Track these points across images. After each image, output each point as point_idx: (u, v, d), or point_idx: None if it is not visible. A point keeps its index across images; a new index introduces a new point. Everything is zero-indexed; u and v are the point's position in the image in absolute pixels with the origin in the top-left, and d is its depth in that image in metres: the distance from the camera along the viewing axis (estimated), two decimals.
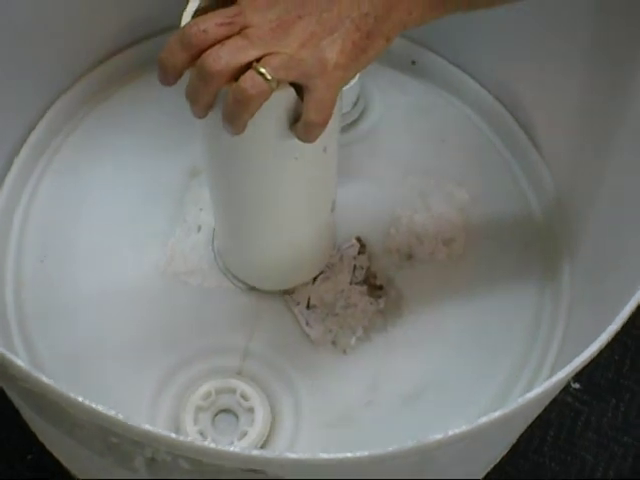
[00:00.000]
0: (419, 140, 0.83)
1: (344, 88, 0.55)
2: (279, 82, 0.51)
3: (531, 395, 0.49)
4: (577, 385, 0.88)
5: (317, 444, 0.68)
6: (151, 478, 0.56)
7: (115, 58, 0.85)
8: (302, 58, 0.51)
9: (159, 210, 0.78)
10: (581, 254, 0.75)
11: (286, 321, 0.73)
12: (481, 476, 0.76)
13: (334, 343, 0.72)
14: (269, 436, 0.69)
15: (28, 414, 0.67)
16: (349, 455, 0.47)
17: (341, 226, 0.75)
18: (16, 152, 0.80)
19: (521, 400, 0.49)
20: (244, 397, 0.69)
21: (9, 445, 0.84)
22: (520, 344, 0.74)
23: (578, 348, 0.51)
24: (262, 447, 0.68)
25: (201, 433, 0.68)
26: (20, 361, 0.49)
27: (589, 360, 0.51)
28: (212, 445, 0.47)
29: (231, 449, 0.48)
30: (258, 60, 0.51)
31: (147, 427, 0.47)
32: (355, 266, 0.75)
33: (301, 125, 0.53)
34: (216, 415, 0.69)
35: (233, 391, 0.69)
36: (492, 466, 0.76)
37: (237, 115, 0.52)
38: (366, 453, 0.47)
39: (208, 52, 0.51)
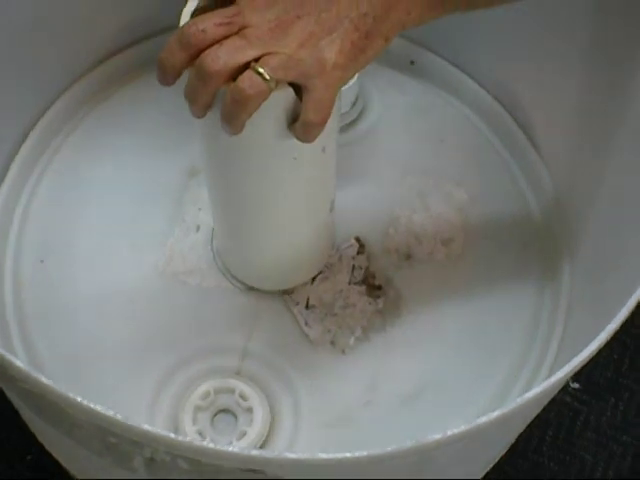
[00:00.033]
0: (418, 140, 0.83)
1: (343, 88, 0.55)
2: (278, 82, 0.51)
3: (530, 395, 0.49)
4: (576, 385, 0.88)
5: (316, 444, 0.68)
6: (150, 478, 0.56)
7: (115, 58, 0.85)
8: (301, 58, 0.51)
9: (158, 210, 0.78)
10: (580, 254, 0.75)
11: (285, 321, 0.73)
12: (480, 476, 0.76)
13: (333, 343, 0.72)
14: (268, 436, 0.69)
15: (27, 414, 0.67)
16: (348, 455, 0.47)
17: (340, 226, 0.75)
18: (16, 152, 0.80)
19: (520, 400, 0.49)
20: (243, 397, 0.69)
21: (9, 445, 0.84)
22: (519, 344, 0.74)
23: (577, 348, 0.51)
24: (261, 447, 0.68)
25: (200, 433, 0.68)
26: (19, 362, 0.49)
27: (588, 360, 0.51)
28: (211, 445, 0.47)
29: (230, 449, 0.48)
30: (257, 60, 0.51)
31: (146, 427, 0.47)
32: (354, 266, 0.75)
33: (300, 125, 0.53)
34: (215, 415, 0.69)
35: (232, 391, 0.69)
36: (491, 466, 0.76)
37: (235, 115, 0.52)
38: (365, 453, 0.47)
39: (207, 52, 0.51)
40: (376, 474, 0.53)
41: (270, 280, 0.74)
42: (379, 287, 0.75)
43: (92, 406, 0.47)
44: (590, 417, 0.87)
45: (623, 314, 0.52)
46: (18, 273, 0.75)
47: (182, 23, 0.54)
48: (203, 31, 0.51)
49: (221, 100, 0.52)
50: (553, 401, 0.67)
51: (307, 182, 0.63)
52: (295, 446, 0.68)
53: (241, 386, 0.69)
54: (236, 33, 0.51)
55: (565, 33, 0.73)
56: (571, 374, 0.51)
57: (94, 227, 0.77)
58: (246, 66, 0.51)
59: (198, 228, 0.77)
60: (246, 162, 0.59)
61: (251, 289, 0.74)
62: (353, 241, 0.76)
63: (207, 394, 0.69)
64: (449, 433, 0.47)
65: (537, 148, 0.82)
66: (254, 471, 0.49)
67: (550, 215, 0.79)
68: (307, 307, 0.73)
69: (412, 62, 0.88)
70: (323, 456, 0.47)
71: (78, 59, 0.83)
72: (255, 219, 0.66)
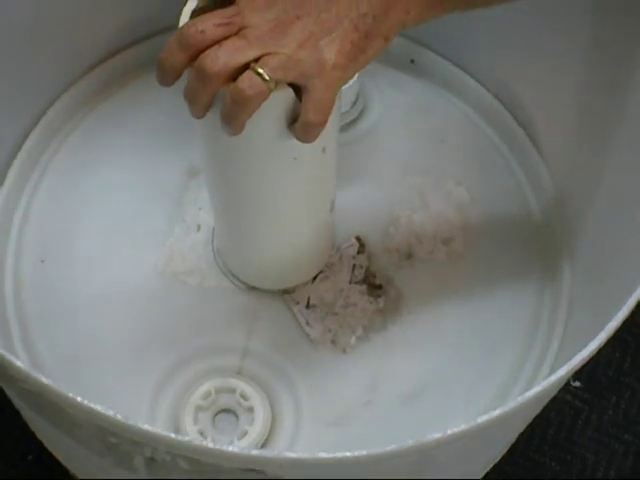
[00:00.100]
0: (418, 139, 0.83)
1: (343, 87, 0.55)
2: (277, 82, 0.51)
3: (530, 394, 0.49)
4: (577, 383, 0.88)
5: (317, 443, 0.68)
6: (150, 478, 0.56)
7: (115, 58, 0.85)
8: (300, 58, 0.51)
9: (158, 210, 0.78)
10: (580, 253, 0.75)
11: (286, 320, 0.73)
12: (480, 476, 0.76)
13: (334, 342, 0.72)
14: (269, 435, 0.69)
15: (28, 414, 0.67)
16: (348, 454, 0.47)
17: (340, 225, 0.75)
18: (16, 152, 0.80)
19: (520, 399, 0.49)
20: (244, 397, 0.69)
21: (9, 445, 0.84)
22: (519, 343, 0.74)
23: (578, 347, 0.51)
24: (262, 446, 0.68)
25: (201, 433, 0.68)
26: (19, 362, 0.49)
27: (589, 358, 0.51)
28: (211, 445, 0.47)
29: (230, 449, 0.48)
30: (256, 60, 0.51)
31: (146, 427, 0.47)
32: (354, 265, 0.75)
33: (300, 125, 0.53)
34: (216, 415, 0.69)
35: (233, 391, 0.69)
36: (491, 466, 0.76)
37: (235, 115, 0.52)
38: (365, 452, 0.47)
39: (206, 53, 0.51)
40: (376, 473, 0.53)
41: (271, 279, 0.74)
42: (380, 286, 0.75)
43: (92, 406, 0.47)
44: (592, 416, 0.87)
45: (624, 313, 0.52)
46: (18, 273, 0.75)
47: (181, 23, 0.54)
48: (202, 32, 0.51)
49: (221, 100, 0.52)
50: (554, 400, 0.67)
51: (307, 182, 0.63)
52: (296, 445, 0.68)
53: (242, 386, 0.69)
54: (236, 34, 0.51)
55: (565, 32, 0.73)
56: (572, 373, 0.51)
57: (94, 227, 0.77)
58: (246, 67, 0.51)
59: (198, 228, 0.77)
60: (246, 162, 0.59)
61: (252, 289, 0.74)
62: (354, 240, 0.76)
63: (208, 394, 0.69)
64: (449, 432, 0.47)
65: (537, 147, 0.82)
66: (254, 471, 0.49)
67: (550, 214, 0.79)
68: (308, 306, 0.73)
69: (412, 61, 0.88)
70: (323, 455, 0.47)
71: (78, 59, 0.83)
72: (255, 219, 0.66)
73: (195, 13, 0.54)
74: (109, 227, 0.77)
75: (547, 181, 0.80)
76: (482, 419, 0.48)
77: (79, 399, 0.47)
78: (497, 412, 0.48)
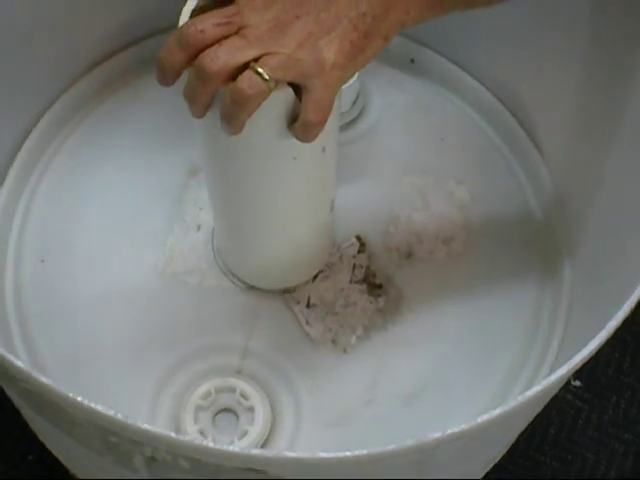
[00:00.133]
0: (418, 138, 0.83)
1: (343, 87, 0.55)
2: (277, 82, 0.51)
3: (531, 393, 0.49)
4: (577, 383, 0.88)
5: (317, 443, 0.69)
6: (151, 477, 0.56)
7: (114, 58, 0.85)
8: (300, 58, 0.51)
9: (158, 210, 0.78)
10: (580, 253, 0.75)
11: (286, 320, 0.73)
12: (480, 476, 0.76)
13: (334, 342, 0.72)
14: (269, 435, 0.69)
15: (28, 414, 0.67)
16: (348, 454, 0.47)
17: (340, 225, 0.75)
18: (16, 152, 0.80)
19: (521, 398, 0.49)
20: (244, 396, 0.69)
21: (10, 445, 0.84)
22: (520, 342, 0.74)
23: (578, 346, 0.51)
24: (262, 446, 0.68)
25: (201, 432, 0.68)
26: (20, 362, 0.49)
27: (589, 357, 0.51)
28: (211, 444, 0.47)
29: (230, 448, 0.48)
30: (256, 60, 0.51)
31: (146, 426, 0.47)
32: (355, 265, 0.75)
33: (299, 125, 0.53)
34: (216, 414, 0.69)
35: (233, 390, 0.69)
36: (492, 466, 0.76)
37: (235, 115, 0.52)
38: (365, 452, 0.47)
39: (206, 52, 0.51)
40: (377, 473, 0.53)
41: (271, 279, 0.74)
42: (380, 286, 0.75)
43: (92, 406, 0.47)
44: (592, 415, 0.87)
45: (624, 312, 0.52)
46: (18, 273, 0.75)
47: (181, 23, 0.54)
48: (202, 31, 0.51)
49: (220, 100, 0.52)
50: (555, 399, 0.67)
51: (307, 182, 0.63)
52: (296, 445, 0.68)
53: (242, 385, 0.69)
54: (235, 33, 0.51)
55: (565, 32, 0.73)
56: (572, 372, 0.51)
57: (94, 227, 0.77)
58: (245, 66, 0.51)
59: (198, 227, 0.77)
60: (246, 162, 0.59)
61: (252, 288, 0.74)
62: (354, 240, 0.76)
63: (208, 393, 0.69)
64: (449, 431, 0.47)
65: (538, 147, 0.82)
66: (255, 470, 0.49)
67: (550, 214, 0.79)
68: (308, 306, 0.73)
69: (412, 60, 0.87)
70: (323, 455, 0.47)
71: (78, 59, 0.83)
72: (255, 219, 0.66)
73: (195, 13, 0.54)
74: (109, 227, 0.77)
75: (547, 180, 0.80)
76: (482, 418, 0.48)
77: (79, 399, 0.47)
78: (497, 411, 0.48)
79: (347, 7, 0.51)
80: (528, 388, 0.50)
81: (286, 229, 0.68)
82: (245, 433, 0.68)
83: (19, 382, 0.51)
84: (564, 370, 0.50)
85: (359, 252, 0.76)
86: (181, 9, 0.55)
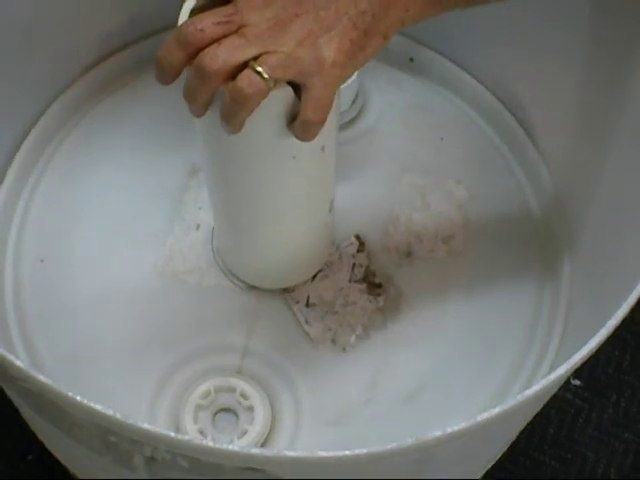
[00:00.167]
0: (417, 138, 0.83)
1: (342, 86, 0.55)
2: (276, 81, 0.51)
3: (530, 392, 0.49)
4: (577, 382, 0.88)
5: (317, 442, 0.68)
6: (150, 477, 0.56)
7: (113, 58, 0.85)
8: (299, 56, 0.51)
9: (158, 209, 0.78)
10: (580, 252, 0.75)
11: (285, 319, 0.73)
12: (480, 475, 0.76)
13: (334, 341, 0.72)
14: (269, 434, 0.69)
15: (28, 413, 0.67)
16: (348, 453, 0.47)
17: (340, 224, 0.75)
18: (16, 151, 0.80)
19: (520, 397, 0.49)
20: (244, 396, 0.69)
21: (9, 444, 0.84)
22: (519, 341, 0.74)
23: (577, 345, 0.51)
24: (262, 445, 0.68)
25: (201, 432, 0.68)
26: (19, 362, 0.49)
27: (588, 356, 0.51)
28: (211, 444, 0.47)
29: (229, 447, 0.48)
30: (255, 59, 0.51)
31: (146, 426, 0.47)
32: (354, 264, 0.75)
33: (299, 124, 0.53)
34: (216, 414, 0.69)
35: (233, 390, 0.69)
36: (491, 465, 0.76)
37: (234, 114, 0.52)
38: (365, 451, 0.47)
39: (205, 51, 0.51)
40: (377, 472, 0.53)
41: (270, 278, 0.74)
42: (379, 285, 0.75)
43: (92, 405, 0.47)
44: (591, 414, 0.87)
45: (623, 310, 0.52)
46: (18, 273, 0.75)
47: (180, 22, 0.54)
48: (201, 30, 0.51)
49: (220, 99, 0.52)
50: (554, 398, 0.67)
51: (306, 181, 0.63)
52: (296, 444, 0.68)
53: (242, 385, 0.69)
54: (234, 32, 0.51)
55: (565, 31, 0.73)
56: (571, 371, 0.51)
57: (94, 227, 0.77)
58: (245, 65, 0.51)
59: (198, 227, 0.77)
60: (245, 161, 0.59)
61: (251, 288, 0.74)
62: (353, 239, 0.76)
63: (208, 393, 0.69)
64: (449, 430, 0.47)
65: (537, 146, 0.82)
66: (254, 470, 0.49)
67: (550, 213, 0.79)
68: (307, 305, 0.73)
69: (411, 59, 0.87)
70: (323, 454, 0.47)
71: (77, 59, 0.83)
72: (255, 218, 0.66)
73: (194, 12, 0.54)
74: (109, 227, 0.77)
75: (547, 180, 0.80)
76: (482, 417, 0.48)
77: (79, 398, 0.47)
78: (497, 410, 0.48)
79: (347, 5, 0.51)
80: (528, 387, 0.50)
81: (285, 229, 0.68)
82: (245, 432, 0.68)
83: (18, 382, 0.51)
84: (564, 369, 0.50)
85: (358, 251, 0.76)
86: (180, 8, 0.55)
